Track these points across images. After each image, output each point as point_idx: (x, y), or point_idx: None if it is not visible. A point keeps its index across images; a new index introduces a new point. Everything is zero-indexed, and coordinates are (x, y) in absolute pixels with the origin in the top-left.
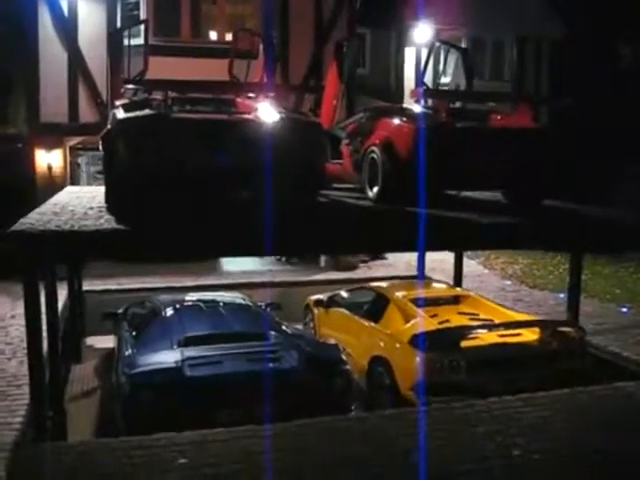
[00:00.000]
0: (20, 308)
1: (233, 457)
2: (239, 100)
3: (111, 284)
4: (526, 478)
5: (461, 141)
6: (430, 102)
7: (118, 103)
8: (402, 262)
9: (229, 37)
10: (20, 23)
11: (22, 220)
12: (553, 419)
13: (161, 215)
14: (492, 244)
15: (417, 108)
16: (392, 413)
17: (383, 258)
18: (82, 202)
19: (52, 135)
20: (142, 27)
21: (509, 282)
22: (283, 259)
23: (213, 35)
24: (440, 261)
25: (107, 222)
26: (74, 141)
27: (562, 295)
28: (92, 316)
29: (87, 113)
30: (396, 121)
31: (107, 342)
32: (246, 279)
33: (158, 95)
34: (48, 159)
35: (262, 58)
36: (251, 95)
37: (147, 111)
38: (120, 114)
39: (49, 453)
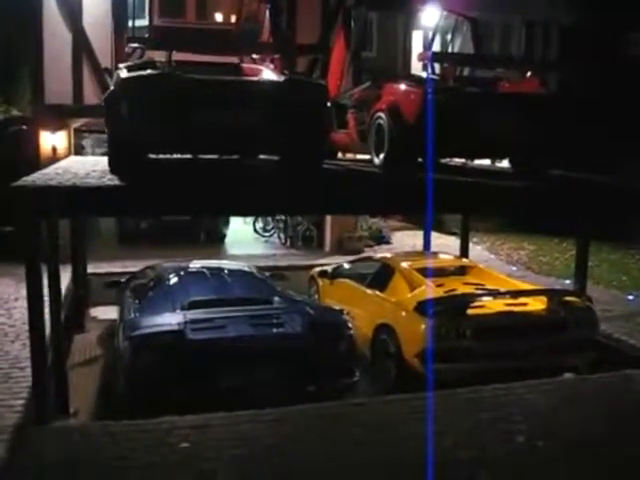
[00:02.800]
0: (24, 290)
1: (235, 442)
2: (244, 65)
3: (116, 267)
4: (529, 465)
5: (469, 106)
6: (437, 70)
7: (122, 65)
8: (407, 246)
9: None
10: (24, 4)
11: (24, 178)
12: (558, 406)
13: (163, 174)
14: (501, 208)
15: (424, 74)
16: (395, 398)
17: (388, 242)
18: (85, 167)
19: (56, 117)
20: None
21: (515, 268)
22: (288, 243)
23: (219, 17)
24: (446, 246)
25: (110, 181)
26: (79, 123)
27: (568, 281)
28: (95, 294)
29: (92, 95)
30: (403, 86)
31: (111, 313)
32: (251, 263)
33: (162, 59)
34: (52, 141)
35: (268, 23)
36: (255, 59)
37: (150, 71)
38: (123, 74)
39: (51, 436)
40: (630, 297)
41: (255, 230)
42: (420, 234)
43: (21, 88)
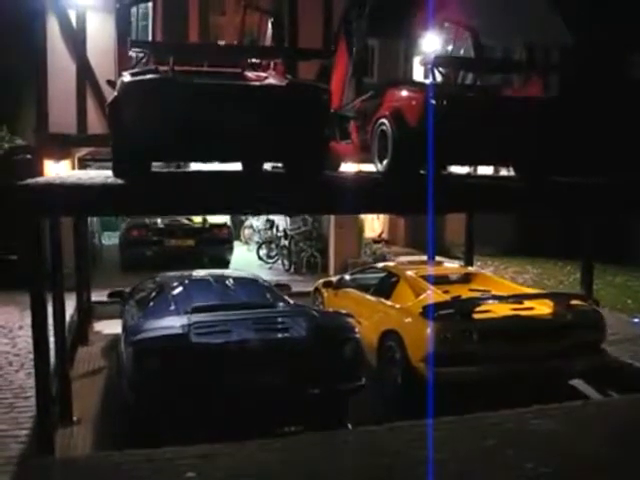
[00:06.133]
0: (28, 318)
1: (242, 471)
2: (247, 74)
3: None
4: None
5: (471, 112)
6: (439, 78)
7: (125, 72)
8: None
9: None
10: (29, 35)
11: (27, 180)
12: (566, 431)
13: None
14: (504, 206)
15: (426, 81)
16: (399, 425)
17: (391, 261)
18: (89, 174)
19: (60, 146)
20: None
21: None
22: (292, 269)
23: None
24: None
25: (114, 181)
26: (83, 152)
27: None
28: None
29: (96, 124)
30: (405, 92)
31: (115, 328)
32: None
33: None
34: (56, 170)
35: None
36: (257, 66)
37: (153, 75)
38: (126, 78)
39: (55, 467)
40: (635, 320)
41: (259, 257)
42: (424, 259)
43: (25, 117)
